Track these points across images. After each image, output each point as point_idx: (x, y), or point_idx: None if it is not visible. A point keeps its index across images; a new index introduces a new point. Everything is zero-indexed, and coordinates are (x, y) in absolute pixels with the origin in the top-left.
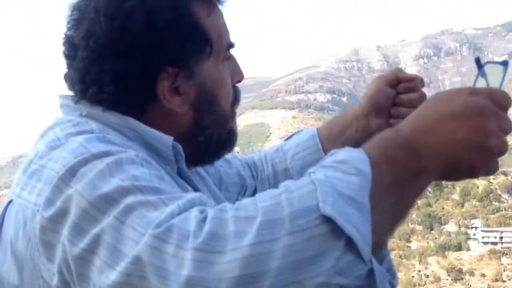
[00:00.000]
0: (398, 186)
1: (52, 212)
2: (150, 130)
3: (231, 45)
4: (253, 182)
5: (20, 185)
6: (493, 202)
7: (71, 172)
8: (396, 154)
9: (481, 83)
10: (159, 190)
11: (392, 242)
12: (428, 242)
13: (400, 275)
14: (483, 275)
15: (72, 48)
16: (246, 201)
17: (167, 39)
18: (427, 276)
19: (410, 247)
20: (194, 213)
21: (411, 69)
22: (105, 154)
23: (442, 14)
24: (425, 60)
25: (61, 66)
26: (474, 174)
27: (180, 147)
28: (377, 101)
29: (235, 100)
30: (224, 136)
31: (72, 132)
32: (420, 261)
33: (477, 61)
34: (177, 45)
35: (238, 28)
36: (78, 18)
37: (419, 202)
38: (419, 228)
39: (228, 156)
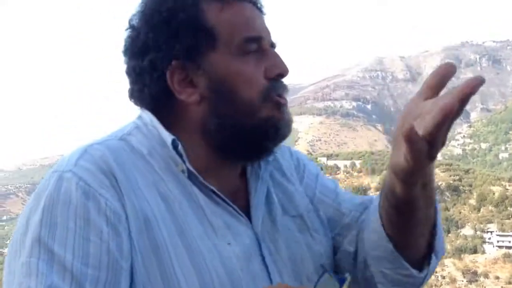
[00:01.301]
0: None
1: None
2: (160, 129)
3: (252, 39)
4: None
5: None
6: (509, 208)
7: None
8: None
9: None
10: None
11: None
12: (445, 245)
13: None
14: (497, 278)
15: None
16: None
17: (166, 36)
18: (444, 278)
19: None
20: None
21: None
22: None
23: (463, 27)
24: None
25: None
26: None
27: (180, 146)
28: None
29: (271, 91)
30: (250, 126)
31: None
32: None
33: (322, 273)
34: (176, 41)
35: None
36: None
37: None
38: None
39: (344, 193)
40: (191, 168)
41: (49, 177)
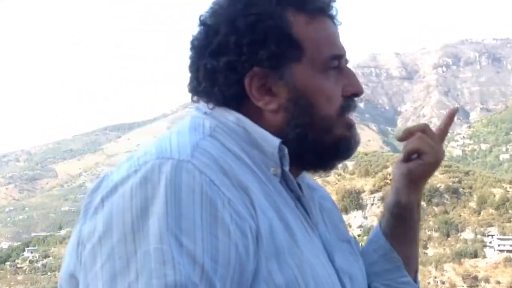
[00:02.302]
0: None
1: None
2: (260, 130)
3: (336, 57)
4: None
5: None
6: (510, 210)
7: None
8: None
9: None
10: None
11: None
12: (444, 249)
13: None
14: (499, 283)
15: (190, 55)
16: None
17: (250, 41)
18: (443, 283)
19: (426, 253)
20: None
21: (430, 78)
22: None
23: (462, 24)
24: (444, 69)
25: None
26: None
27: (285, 150)
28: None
29: (345, 110)
30: (327, 141)
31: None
32: (436, 268)
33: None
34: (260, 47)
35: None
36: (194, 33)
37: (436, 209)
38: (436, 235)
39: None
40: (288, 173)
41: (155, 162)
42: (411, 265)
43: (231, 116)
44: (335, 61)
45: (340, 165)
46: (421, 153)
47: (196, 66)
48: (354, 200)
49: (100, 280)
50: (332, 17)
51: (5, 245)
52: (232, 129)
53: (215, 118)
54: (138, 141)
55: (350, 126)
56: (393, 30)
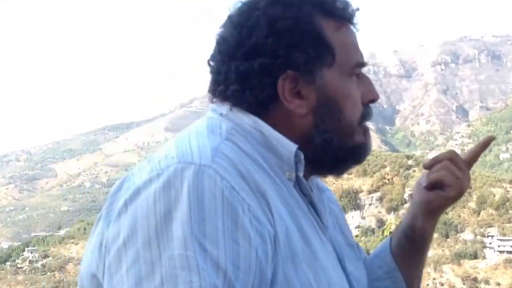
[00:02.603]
0: None
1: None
2: (277, 135)
3: (361, 64)
4: None
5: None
6: (510, 211)
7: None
8: None
9: None
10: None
11: None
12: (443, 250)
13: None
14: (499, 284)
15: (213, 55)
16: None
17: (288, 44)
18: (442, 285)
19: None
20: None
21: (428, 76)
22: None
23: (461, 21)
24: (443, 66)
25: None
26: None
27: (302, 155)
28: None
29: (365, 117)
30: (348, 146)
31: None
32: (435, 269)
33: None
34: (297, 50)
35: None
36: (220, 33)
37: None
38: (435, 235)
39: None
40: (302, 178)
41: (177, 167)
42: (414, 284)
43: (248, 119)
44: (359, 68)
45: None
46: (445, 185)
47: (226, 67)
48: (352, 200)
49: (126, 284)
50: (354, 25)
51: (5, 245)
52: (248, 132)
53: (232, 121)
54: (136, 141)
55: (367, 133)
56: (391, 27)
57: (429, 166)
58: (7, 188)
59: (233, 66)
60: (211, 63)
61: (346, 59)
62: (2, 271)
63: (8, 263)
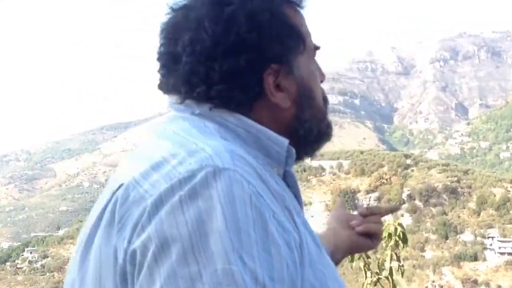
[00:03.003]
0: None
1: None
2: (266, 131)
3: (317, 47)
4: None
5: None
6: (511, 211)
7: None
8: None
9: None
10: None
11: (405, 251)
12: (442, 252)
13: (414, 286)
14: (499, 287)
15: (171, 59)
16: None
17: (268, 37)
18: (441, 287)
19: (424, 256)
20: None
21: (427, 73)
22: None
23: (460, 17)
24: (441, 63)
25: None
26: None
27: (293, 150)
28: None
29: (325, 98)
30: (323, 129)
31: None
32: (434, 271)
33: None
34: (277, 43)
35: None
36: (174, 32)
37: (434, 210)
38: (434, 237)
39: None
40: (292, 172)
41: (200, 172)
42: None
43: (231, 118)
44: (316, 50)
45: (335, 164)
46: (375, 238)
47: (204, 68)
48: (350, 200)
49: None
50: (302, 8)
51: (5, 245)
52: (232, 131)
53: (213, 120)
54: (135, 140)
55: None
56: (389, 24)
57: (364, 215)
58: (7, 188)
59: (216, 65)
60: (169, 67)
61: (310, 44)
62: (2, 272)
63: (8, 263)
